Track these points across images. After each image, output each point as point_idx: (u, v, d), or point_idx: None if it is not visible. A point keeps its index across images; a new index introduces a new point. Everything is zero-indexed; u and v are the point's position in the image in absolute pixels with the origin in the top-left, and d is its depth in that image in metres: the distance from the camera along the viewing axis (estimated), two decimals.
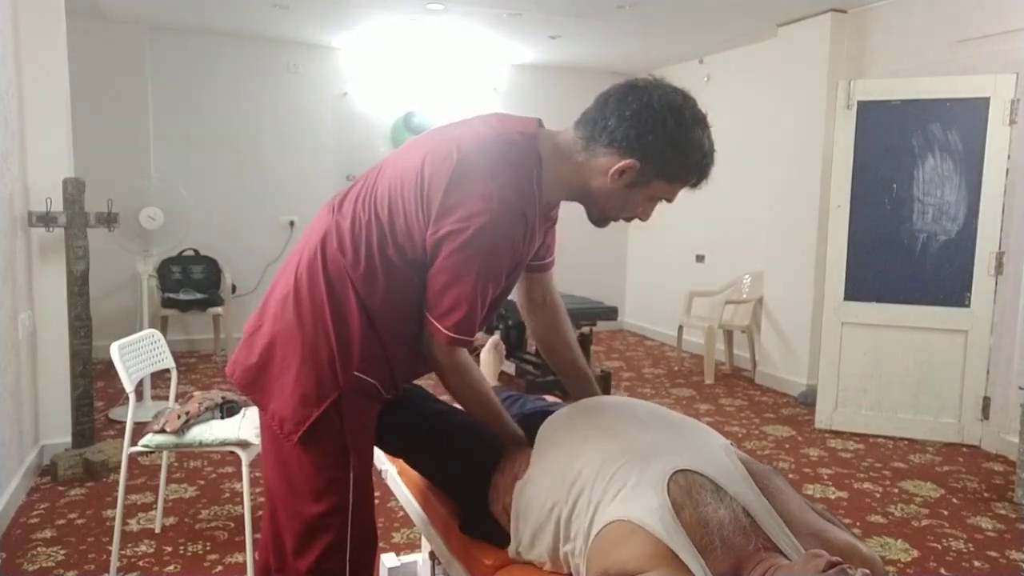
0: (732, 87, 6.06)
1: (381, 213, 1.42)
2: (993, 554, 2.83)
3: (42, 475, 3.41)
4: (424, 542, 2.20)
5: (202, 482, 3.37)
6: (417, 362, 1.51)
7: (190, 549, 2.74)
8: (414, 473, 1.81)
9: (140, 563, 2.62)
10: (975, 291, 3.97)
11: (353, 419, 1.46)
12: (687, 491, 1.19)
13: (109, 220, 3.87)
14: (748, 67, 5.89)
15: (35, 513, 3.02)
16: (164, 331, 5.06)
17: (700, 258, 6.49)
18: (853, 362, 4.25)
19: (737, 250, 5.97)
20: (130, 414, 2.50)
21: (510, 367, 4.96)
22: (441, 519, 1.70)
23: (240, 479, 3.27)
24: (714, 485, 1.21)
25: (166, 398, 3.37)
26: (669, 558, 1.12)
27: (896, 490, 3.44)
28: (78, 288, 3.47)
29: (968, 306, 3.99)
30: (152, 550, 2.72)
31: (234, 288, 5.88)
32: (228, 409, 2.62)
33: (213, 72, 5.94)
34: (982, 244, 3.94)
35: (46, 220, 3.44)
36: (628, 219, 1.51)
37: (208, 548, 2.75)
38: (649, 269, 7.24)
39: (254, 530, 2.47)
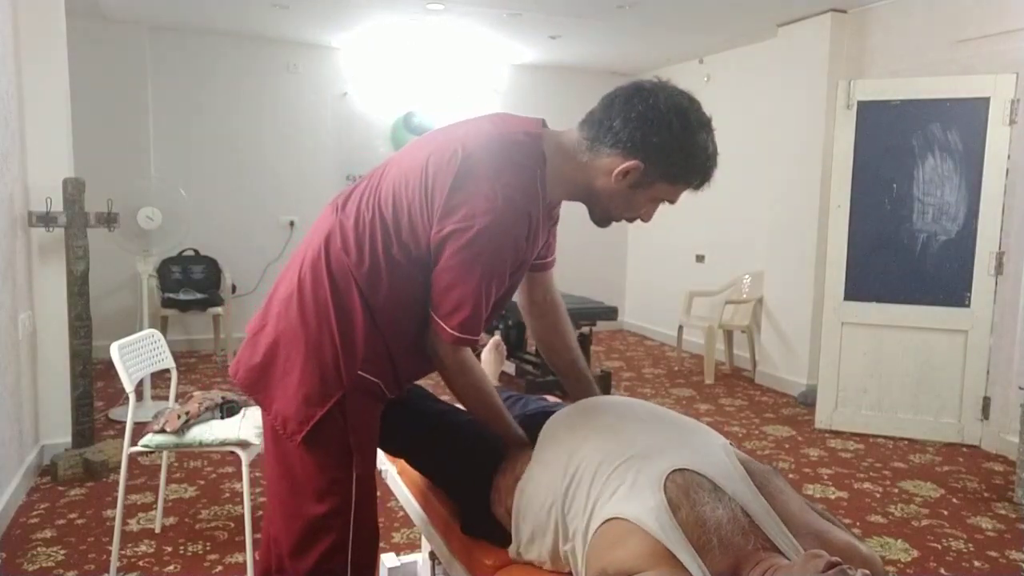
0: (732, 87, 6.06)
1: (385, 212, 1.42)
2: (993, 554, 2.83)
3: (42, 475, 3.41)
4: (424, 542, 2.20)
5: (202, 482, 3.37)
6: (420, 361, 1.51)
7: (190, 549, 2.74)
8: (414, 473, 1.81)
9: (140, 563, 2.62)
10: (975, 291, 3.97)
11: (357, 419, 1.46)
12: (684, 490, 1.19)
13: (109, 220, 3.87)
14: (748, 67, 5.89)
15: (35, 513, 3.02)
16: (164, 331, 5.06)
17: (700, 258, 6.49)
18: (853, 362, 4.25)
19: (737, 250, 5.97)
20: (130, 414, 2.50)
21: (510, 367, 4.96)
22: (441, 519, 1.70)
23: (240, 479, 3.27)
24: (712, 485, 1.21)
25: (166, 398, 3.37)
26: (667, 557, 1.12)
27: (896, 490, 3.44)
28: (78, 288, 3.47)
29: (968, 306, 3.99)
30: (152, 550, 2.72)
31: (234, 288, 5.88)
32: (228, 409, 2.62)
33: (213, 72, 5.94)
34: (982, 244, 3.94)
35: (46, 220, 3.44)
36: (630, 220, 1.51)
37: (208, 548, 2.75)
38: (649, 269, 7.24)
39: (254, 530, 2.47)
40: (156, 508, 2.95)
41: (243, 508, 2.50)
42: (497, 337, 2.37)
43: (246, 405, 2.63)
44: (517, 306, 1.83)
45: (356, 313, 1.43)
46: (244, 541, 2.50)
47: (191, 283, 5.73)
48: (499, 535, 1.50)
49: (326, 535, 1.47)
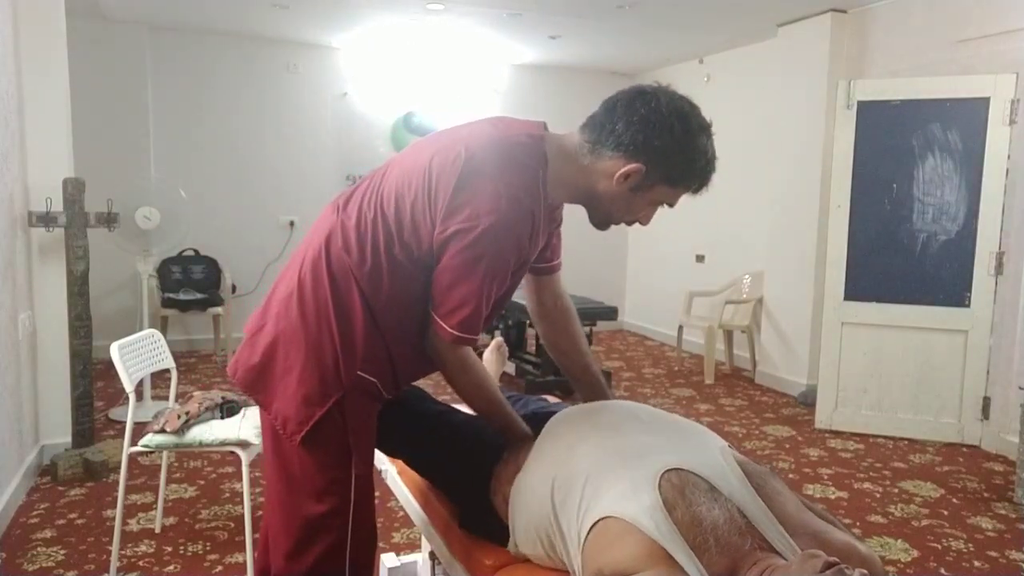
0: (732, 87, 6.06)
1: (388, 212, 1.43)
2: (993, 554, 2.83)
3: (42, 475, 3.41)
4: (424, 542, 2.20)
5: (202, 482, 3.37)
6: (420, 361, 1.52)
7: (190, 549, 2.74)
8: (414, 473, 1.81)
9: (140, 563, 2.62)
10: (975, 291, 3.97)
11: (355, 419, 1.47)
12: (680, 490, 1.19)
13: (109, 220, 3.88)
14: (748, 67, 5.89)
15: (35, 513, 3.02)
16: (164, 331, 5.06)
17: (700, 258, 6.49)
18: (853, 362, 4.25)
19: (737, 250, 5.97)
20: (130, 414, 2.50)
21: (510, 367, 4.96)
22: (441, 519, 1.70)
23: (240, 479, 3.27)
24: (709, 485, 1.22)
25: (166, 398, 3.37)
26: (664, 557, 1.12)
27: (896, 490, 3.44)
28: (78, 288, 3.47)
29: (968, 306, 3.99)
30: (152, 550, 2.72)
31: (234, 288, 5.88)
32: (228, 409, 2.62)
33: (213, 72, 5.94)
34: (982, 244, 3.94)
35: (46, 220, 3.44)
36: (630, 222, 1.52)
37: (208, 548, 2.75)
38: (649, 269, 7.24)
39: (254, 530, 2.47)
40: (156, 508, 2.95)
41: (243, 508, 2.51)
42: (499, 338, 2.38)
43: (246, 405, 2.63)
44: (517, 306, 1.83)
45: (356, 313, 1.43)
46: (244, 541, 2.50)
47: (191, 283, 5.73)
48: (498, 533, 1.50)
49: (325, 535, 1.47)
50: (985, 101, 3.87)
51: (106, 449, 3.51)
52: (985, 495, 3.40)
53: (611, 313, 4.96)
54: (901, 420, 4.18)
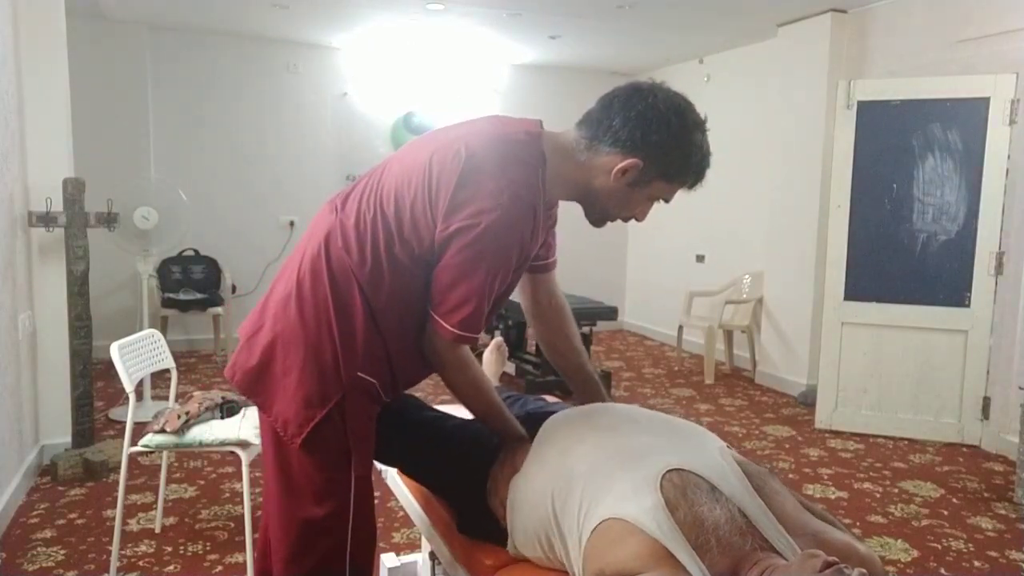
0: (732, 87, 6.06)
1: (387, 211, 1.42)
2: (993, 554, 2.83)
3: (42, 475, 3.41)
4: (424, 542, 2.20)
5: (202, 482, 3.37)
6: (418, 363, 1.51)
7: (190, 549, 2.74)
8: None
9: (140, 563, 2.62)
10: (975, 291, 3.97)
11: (355, 420, 1.46)
12: (682, 491, 1.19)
13: (109, 220, 3.88)
14: (748, 67, 5.89)
15: (35, 513, 3.02)
16: (164, 331, 5.06)
17: (700, 258, 6.49)
18: (853, 362, 4.25)
19: (737, 250, 5.97)
20: (130, 414, 2.50)
21: (510, 367, 4.96)
22: (441, 519, 1.70)
23: (240, 479, 3.27)
24: (710, 485, 1.22)
25: (166, 398, 3.37)
26: (667, 558, 1.12)
27: (896, 490, 3.44)
28: (78, 288, 3.47)
29: (968, 306, 3.99)
30: (152, 550, 2.72)
31: (234, 288, 5.88)
32: (228, 409, 2.62)
33: (213, 72, 5.94)
34: (982, 244, 3.94)
35: (46, 220, 3.44)
36: (626, 219, 1.53)
37: (208, 548, 2.75)
38: (649, 269, 7.24)
39: (254, 530, 2.47)
40: (156, 508, 2.95)
41: (243, 508, 2.51)
42: (499, 338, 2.37)
43: (246, 405, 2.63)
44: (517, 306, 1.82)
45: (357, 313, 1.42)
46: (244, 541, 2.50)
47: (191, 283, 5.73)
48: (496, 535, 1.50)
49: (324, 538, 1.47)
50: (985, 101, 3.87)
51: (106, 449, 3.51)
52: (985, 495, 3.40)
53: (611, 313, 4.96)
54: (901, 420, 4.18)
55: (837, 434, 4.24)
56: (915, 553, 2.82)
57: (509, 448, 1.53)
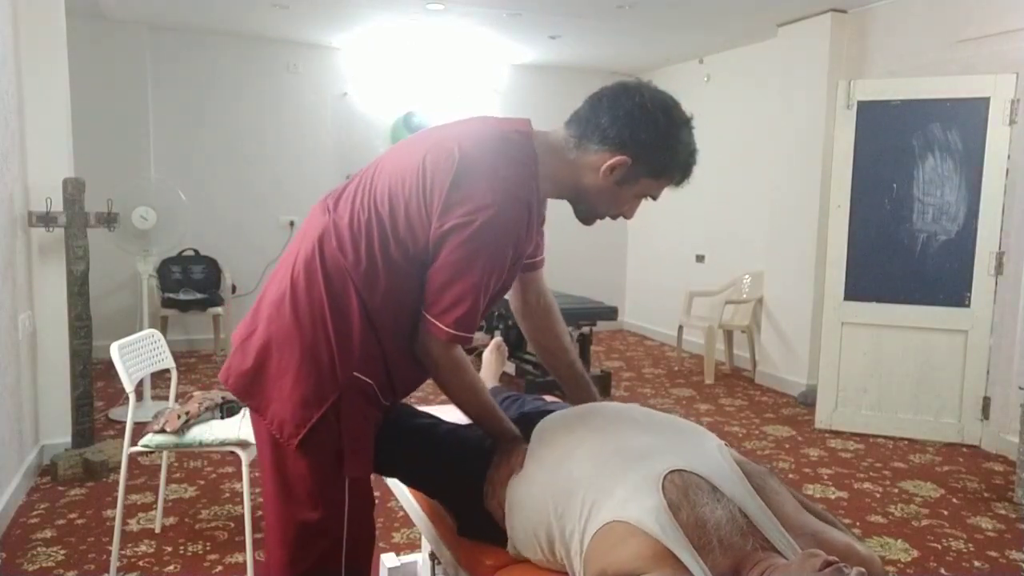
0: (732, 87, 6.06)
1: (382, 211, 1.42)
2: (993, 554, 2.83)
3: (42, 475, 3.41)
4: (424, 542, 2.20)
5: (202, 482, 3.37)
6: (414, 364, 1.50)
7: (190, 549, 2.74)
8: None
9: (140, 563, 2.62)
10: (975, 291, 3.97)
11: (350, 421, 1.45)
12: (684, 491, 1.19)
13: (109, 220, 3.88)
14: (748, 67, 5.89)
15: (35, 513, 3.02)
16: (164, 331, 5.06)
17: (700, 258, 6.49)
18: (853, 362, 4.25)
19: (737, 250, 5.97)
20: (130, 414, 2.50)
21: (510, 367, 4.96)
22: (441, 519, 1.70)
23: (240, 479, 3.27)
24: (711, 486, 1.22)
25: (166, 398, 3.37)
26: (669, 558, 1.12)
27: (896, 490, 3.44)
28: (78, 288, 3.47)
29: (968, 306, 3.99)
30: (152, 550, 2.72)
31: (234, 288, 5.88)
32: (228, 409, 2.62)
33: (213, 72, 5.94)
34: (982, 244, 3.94)
35: (46, 220, 3.44)
36: (614, 216, 1.54)
37: (208, 548, 2.75)
38: (649, 269, 7.24)
39: (254, 530, 2.47)
40: (156, 508, 2.95)
41: (243, 508, 2.50)
42: (498, 338, 2.37)
43: (245, 405, 2.62)
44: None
45: (353, 313, 1.42)
46: (244, 541, 2.50)
47: (191, 283, 5.73)
48: (496, 537, 1.50)
49: (320, 540, 1.46)
50: (985, 101, 3.87)
51: (106, 449, 3.51)
52: (985, 495, 3.40)
53: (611, 313, 4.95)
54: (901, 420, 4.18)
55: (837, 434, 4.24)
56: (915, 553, 2.82)
57: (504, 450, 1.53)
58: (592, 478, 1.29)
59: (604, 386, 4.93)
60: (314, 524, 1.46)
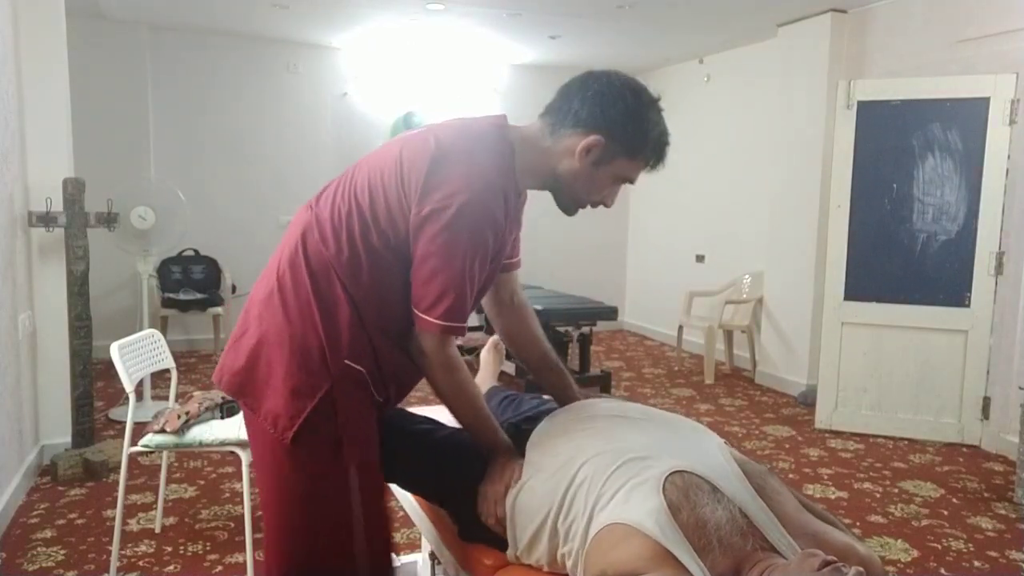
0: (732, 87, 6.06)
1: (362, 202, 1.44)
2: (993, 554, 2.83)
3: (42, 475, 3.41)
4: (424, 542, 2.20)
5: (202, 482, 3.37)
6: (401, 353, 1.50)
7: (190, 549, 2.74)
8: None
9: (140, 563, 2.63)
10: (975, 291, 3.97)
11: (346, 409, 1.44)
12: (684, 492, 1.19)
13: (109, 220, 3.88)
14: (748, 67, 5.89)
15: (35, 513, 3.02)
16: (164, 331, 5.06)
17: (700, 258, 6.49)
18: (853, 362, 4.25)
19: (737, 250, 5.97)
20: (130, 414, 2.51)
21: (509, 367, 4.96)
22: (441, 519, 1.70)
23: (240, 479, 3.27)
24: (711, 486, 1.22)
25: (166, 398, 3.37)
26: (668, 559, 1.12)
27: (896, 490, 3.44)
28: (78, 288, 3.47)
29: (968, 306, 3.99)
30: (152, 550, 2.72)
31: (234, 288, 5.88)
32: (228, 409, 2.62)
33: (213, 72, 5.94)
34: (982, 244, 3.94)
35: (46, 220, 3.44)
36: (595, 204, 1.55)
37: (208, 548, 2.75)
38: (649, 269, 7.24)
39: (254, 530, 2.47)
40: (156, 508, 2.95)
41: (243, 508, 2.50)
42: (496, 337, 2.36)
43: None
44: None
45: (340, 304, 1.43)
46: (244, 541, 2.50)
47: (191, 283, 5.73)
48: (496, 540, 1.49)
49: (322, 535, 1.46)
50: (985, 101, 3.87)
51: (106, 449, 3.51)
52: (985, 495, 3.40)
53: (611, 313, 4.96)
54: (901, 420, 4.18)
55: (837, 434, 4.24)
56: (915, 553, 2.82)
57: (499, 464, 1.51)
58: (592, 482, 1.29)
59: (604, 386, 4.94)
60: (315, 519, 1.45)
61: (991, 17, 3.98)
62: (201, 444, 2.42)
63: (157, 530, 2.87)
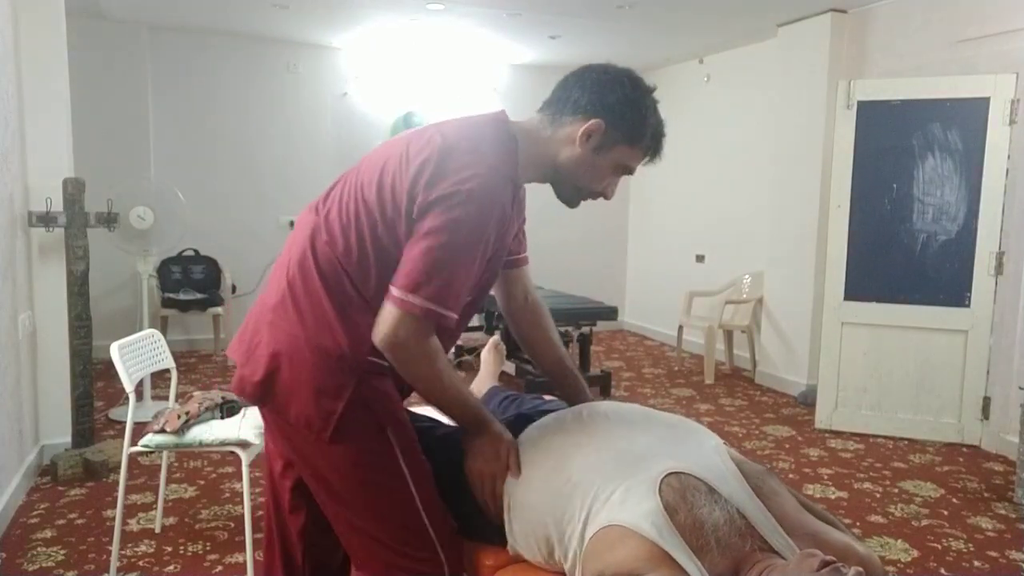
0: (732, 87, 6.06)
1: (368, 198, 1.43)
2: (993, 554, 2.83)
3: (42, 475, 3.41)
4: None
5: (202, 482, 3.37)
6: None
7: (190, 549, 2.74)
8: None
9: (140, 563, 2.63)
10: (975, 291, 3.97)
11: (381, 399, 1.45)
12: (681, 494, 1.20)
13: (109, 220, 3.88)
14: (748, 67, 5.89)
15: (35, 513, 3.02)
16: (164, 331, 5.07)
17: (700, 258, 6.49)
18: (853, 362, 4.25)
19: (737, 250, 5.97)
20: (130, 414, 2.51)
21: (510, 367, 4.96)
22: None
23: (240, 479, 3.27)
24: (708, 487, 1.22)
25: (166, 398, 3.37)
26: (665, 560, 1.12)
27: (896, 490, 3.44)
28: (78, 288, 3.47)
29: (968, 306, 3.99)
30: (152, 550, 2.72)
31: (234, 288, 5.88)
32: (228, 409, 2.62)
33: (213, 72, 5.94)
34: (982, 244, 3.94)
35: (46, 220, 3.44)
36: (596, 195, 1.56)
37: (208, 548, 2.75)
38: (649, 269, 7.24)
39: (254, 530, 2.47)
40: (156, 508, 2.95)
41: (243, 508, 2.50)
42: (496, 337, 2.37)
43: (246, 405, 2.63)
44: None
45: (353, 303, 1.42)
46: (244, 541, 2.50)
47: (191, 283, 5.73)
48: (497, 538, 1.49)
49: (396, 520, 1.46)
50: (985, 101, 3.87)
51: (106, 449, 3.51)
52: (985, 495, 3.40)
53: (611, 313, 4.96)
54: (901, 420, 4.18)
55: (837, 434, 4.24)
56: (915, 553, 2.82)
57: (488, 440, 1.49)
58: (590, 482, 1.29)
59: (604, 386, 4.94)
60: (380, 502, 1.45)
61: (991, 17, 3.98)
62: (201, 444, 2.42)
63: (157, 530, 2.87)
